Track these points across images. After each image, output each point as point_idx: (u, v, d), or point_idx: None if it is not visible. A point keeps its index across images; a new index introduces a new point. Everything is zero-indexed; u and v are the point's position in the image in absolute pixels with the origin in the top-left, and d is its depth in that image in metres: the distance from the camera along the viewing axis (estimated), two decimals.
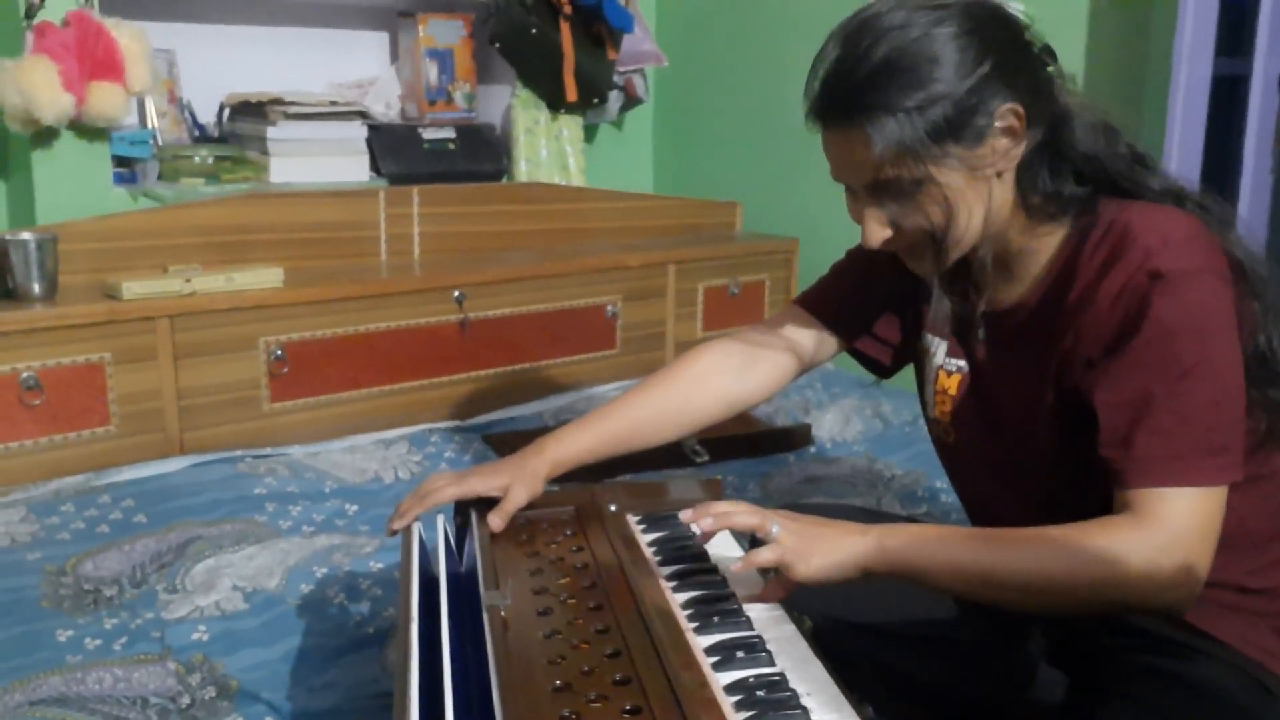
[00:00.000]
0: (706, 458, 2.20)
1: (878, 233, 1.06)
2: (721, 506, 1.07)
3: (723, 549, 1.18)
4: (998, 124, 1.00)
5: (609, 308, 2.76)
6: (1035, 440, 1.12)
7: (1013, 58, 1.01)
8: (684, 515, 1.09)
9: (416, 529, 1.20)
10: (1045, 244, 1.09)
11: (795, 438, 2.34)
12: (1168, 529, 0.96)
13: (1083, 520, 1.00)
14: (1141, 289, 0.99)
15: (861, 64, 0.99)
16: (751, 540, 1.13)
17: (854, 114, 1.00)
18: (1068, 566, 0.97)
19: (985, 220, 1.05)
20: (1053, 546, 0.98)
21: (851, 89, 1.00)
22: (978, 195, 1.03)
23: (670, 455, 2.13)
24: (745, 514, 1.06)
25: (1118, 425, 1.00)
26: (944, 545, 1.01)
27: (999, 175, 1.04)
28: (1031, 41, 1.05)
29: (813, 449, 2.34)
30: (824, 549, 1.02)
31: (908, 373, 1.34)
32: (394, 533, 1.22)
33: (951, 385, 1.20)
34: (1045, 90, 1.04)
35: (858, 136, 1.00)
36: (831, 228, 1.10)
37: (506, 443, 2.24)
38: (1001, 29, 1.02)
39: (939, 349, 1.21)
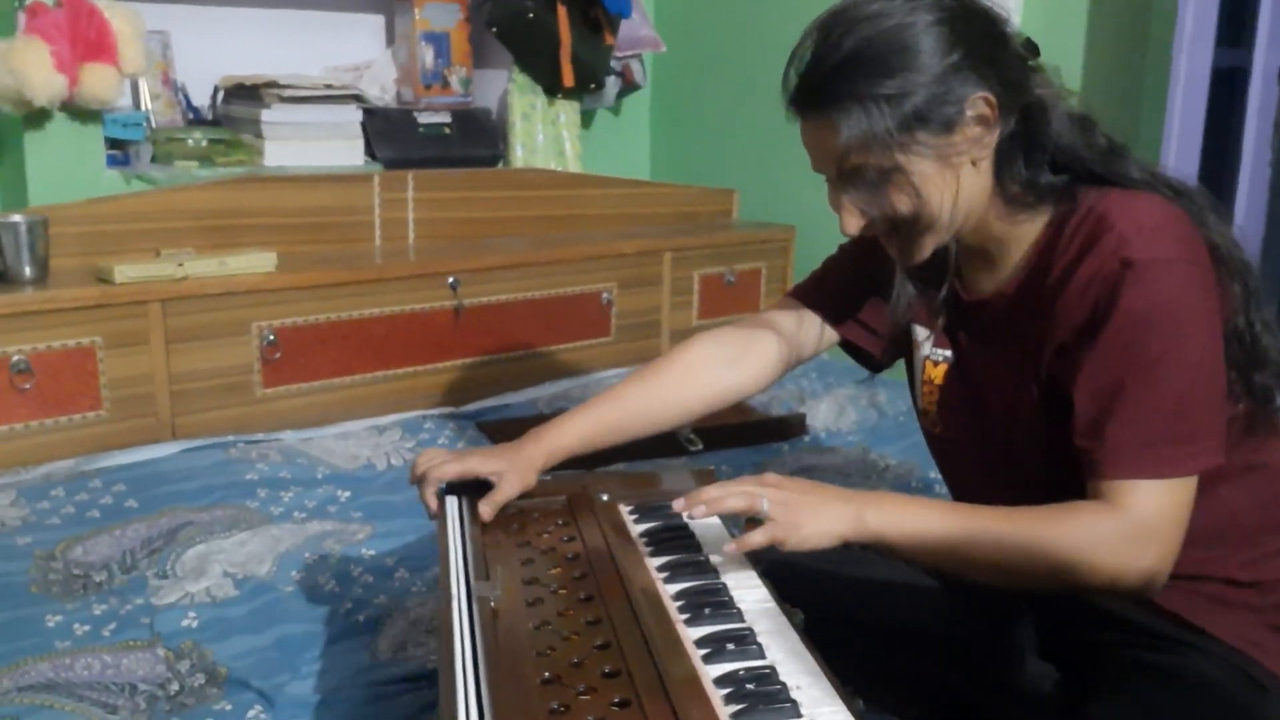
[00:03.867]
0: (700, 446, 2.19)
1: (852, 222, 1.07)
2: (711, 492, 1.07)
3: (708, 528, 1.17)
4: (969, 112, 1.01)
5: (604, 295, 2.75)
6: (1020, 429, 1.12)
7: (984, 47, 1.02)
8: (676, 505, 1.09)
9: (449, 500, 1.21)
10: (1025, 232, 1.09)
11: (790, 427, 2.33)
12: (1135, 519, 0.98)
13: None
14: (1113, 277, 0.99)
15: (832, 54, 1.01)
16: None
17: (823, 103, 1.02)
18: (1032, 551, 0.99)
19: (959, 208, 1.05)
20: (1021, 529, 1.00)
21: (821, 79, 1.02)
22: (948, 184, 1.04)
23: (664, 444, 2.13)
24: (735, 497, 1.06)
25: (1090, 415, 1.01)
26: (919, 523, 1.03)
27: (974, 164, 1.04)
28: (1007, 32, 1.06)
29: (807, 438, 2.33)
30: (811, 517, 1.03)
31: (902, 362, 1.34)
32: (434, 516, 1.22)
33: (938, 375, 1.20)
34: (1019, 80, 1.04)
35: (826, 125, 1.02)
36: (828, 217, 1.10)
37: (501, 430, 2.24)
38: (974, 19, 1.03)
39: (926, 340, 1.21)
